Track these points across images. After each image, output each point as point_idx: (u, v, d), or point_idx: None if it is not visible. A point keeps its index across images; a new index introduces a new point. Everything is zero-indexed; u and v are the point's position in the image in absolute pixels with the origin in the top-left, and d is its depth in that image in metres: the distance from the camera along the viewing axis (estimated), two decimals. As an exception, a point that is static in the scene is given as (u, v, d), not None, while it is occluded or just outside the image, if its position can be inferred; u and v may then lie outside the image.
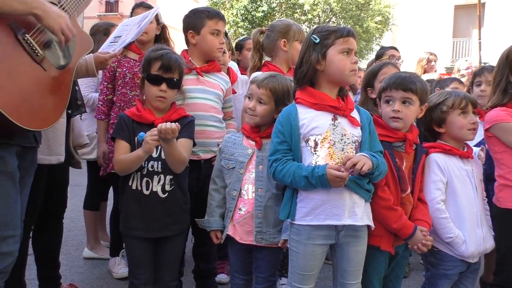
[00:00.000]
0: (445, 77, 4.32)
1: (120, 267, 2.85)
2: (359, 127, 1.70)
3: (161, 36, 2.92)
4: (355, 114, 1.73)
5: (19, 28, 1.42)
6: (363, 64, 14.56)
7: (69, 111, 2.29)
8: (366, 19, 17.41)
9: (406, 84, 1.79)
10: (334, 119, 1.66)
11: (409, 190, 1.80)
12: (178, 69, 1.97)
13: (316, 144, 1.64)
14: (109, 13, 25.29)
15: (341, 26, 1.76)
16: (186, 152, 1.93)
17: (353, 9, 17.22)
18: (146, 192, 1.89)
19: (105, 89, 2.73)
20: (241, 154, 1.90)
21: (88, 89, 3.09)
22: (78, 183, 4.20)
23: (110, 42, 2.25)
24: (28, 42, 1.44)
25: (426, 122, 2.01)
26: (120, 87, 2.69)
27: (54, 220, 2.41)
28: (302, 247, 1.66)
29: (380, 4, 17.69)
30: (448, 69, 13.63)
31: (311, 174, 1.57)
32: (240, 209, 1.87)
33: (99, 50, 2.17)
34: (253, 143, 1.90)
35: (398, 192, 1.76)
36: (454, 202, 1.85)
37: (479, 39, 7.57)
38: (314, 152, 1.64)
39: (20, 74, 1.42)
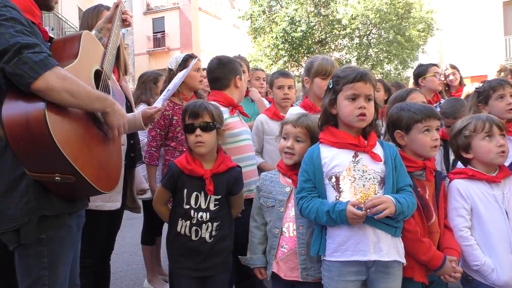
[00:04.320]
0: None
1: None
2: (382, 162, 1.72)
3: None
4: (378, 149, 1.75)
5: None
6: (409, 72, 14.15)
7: (125, 161, 2.44)
8: (408, 28, 16.89)
9: (436, 112, 1.90)
10: (355, 156, 1.72)
11: (434, 218, 1.81)
12: (206, 112, 2.05)
13: (338, 181, 1.70)
14: (157, 48, 26.86)
15: (355, 69, 1.69)
16: (240, 206, 2.20)
17: (393, 19, 16.79)
18: (195, 239, 2.03)
19: (158, 136, 2.89)
20: (280, 193, 1.95)
21: None
22: (134, 216, 4.49)
23: (163, 95, 2.45)
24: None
25: (454, 150, 2.02)
26: (179, 134, 2.85)
27: (101, 263, 2.49)
28: (333, 283, 1.69)
29: (421, 10, 17.13)
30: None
31: (332, 209, 1.63)
32: (282, 247, 1.91)
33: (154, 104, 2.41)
34: (290, 181, 1.95)
35: (424, 222, 1.78)
36: (480, 228, 1.84)
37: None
38: (336, 189, 1.70)
39: (94, 145, 1.55)
